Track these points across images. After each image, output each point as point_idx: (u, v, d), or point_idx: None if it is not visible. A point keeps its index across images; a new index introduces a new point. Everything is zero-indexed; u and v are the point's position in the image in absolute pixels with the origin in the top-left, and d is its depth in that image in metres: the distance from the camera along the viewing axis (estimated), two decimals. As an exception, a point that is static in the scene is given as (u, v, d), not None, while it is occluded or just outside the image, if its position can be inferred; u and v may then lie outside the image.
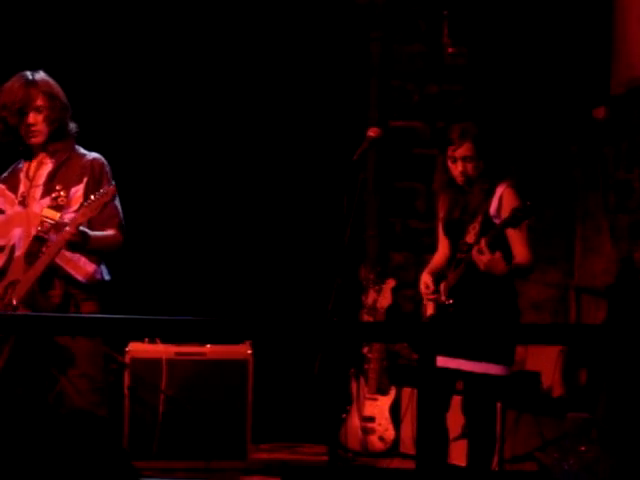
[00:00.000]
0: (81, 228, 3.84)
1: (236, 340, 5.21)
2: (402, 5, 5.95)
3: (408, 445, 5.29)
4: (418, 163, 5.88)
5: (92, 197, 3.85)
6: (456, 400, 4.35)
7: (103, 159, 4.09)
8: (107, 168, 4.08)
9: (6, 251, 3.99)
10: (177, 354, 5.13)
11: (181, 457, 5.05)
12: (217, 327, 2.80)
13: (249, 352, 5.15)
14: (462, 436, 4.55)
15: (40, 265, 3.84)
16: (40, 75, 4.03)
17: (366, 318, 5.51)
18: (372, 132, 3.95)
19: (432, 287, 4.23)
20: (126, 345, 5.12)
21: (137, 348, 5.13)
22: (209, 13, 5.89)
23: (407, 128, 6.00)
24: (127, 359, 5.11)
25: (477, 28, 5.86)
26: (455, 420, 4.45)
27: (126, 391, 5.08)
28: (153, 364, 5.09)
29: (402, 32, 5.97)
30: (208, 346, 5.17)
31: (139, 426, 5.06)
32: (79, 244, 3.88)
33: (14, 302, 3.83)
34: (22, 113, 3.92)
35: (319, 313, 3.73)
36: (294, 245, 5.92)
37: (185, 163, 5.89)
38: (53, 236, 3.88)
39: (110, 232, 4.03)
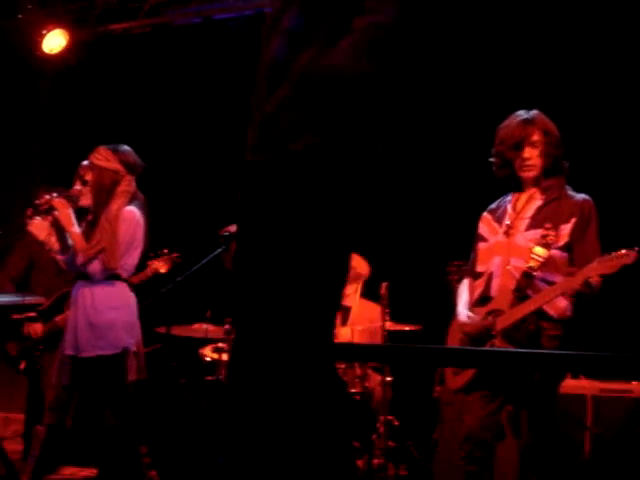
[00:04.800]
0: (587, 281, 3.76)
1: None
2: None
3: None
4: None
5: (610, 256, 3.74)
6: None
7: (592, 201, 4.04)
8: (595, 211, 4.01)
9: (484, 277, 4.08)
10: (602, 390, 5.01)
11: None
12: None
13: (680, 391, 4.95)
14: None
15: (530, 306, 3.85)
16: (536, 113, 4.13)
17: None
18: None
19: None
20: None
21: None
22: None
23: None
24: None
25: None
26: None
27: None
28: (577, 400, 5.01)
29: None
30: (635, 384, 5.02)
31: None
32: (585, 298, 3.86)
33: (494, 331, 3.89)
34: (518, 148, 4.04)
35: None
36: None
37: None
38: (539, 281, 3.87)
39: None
